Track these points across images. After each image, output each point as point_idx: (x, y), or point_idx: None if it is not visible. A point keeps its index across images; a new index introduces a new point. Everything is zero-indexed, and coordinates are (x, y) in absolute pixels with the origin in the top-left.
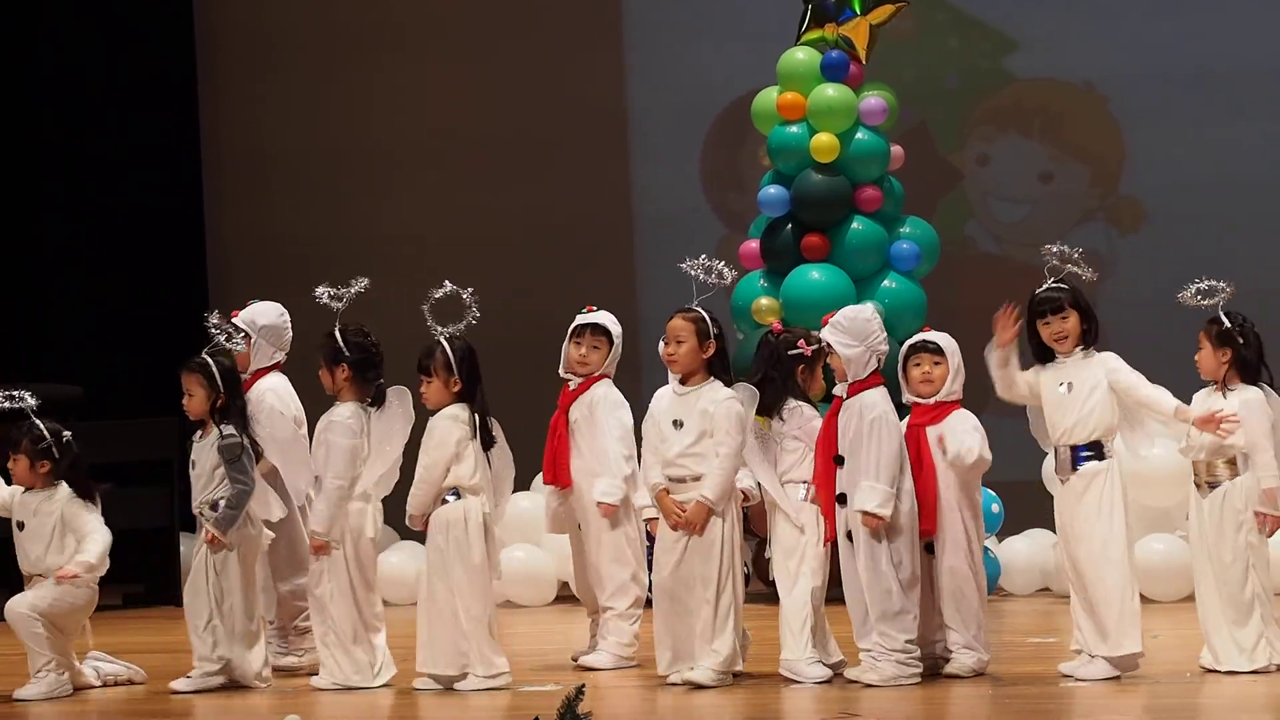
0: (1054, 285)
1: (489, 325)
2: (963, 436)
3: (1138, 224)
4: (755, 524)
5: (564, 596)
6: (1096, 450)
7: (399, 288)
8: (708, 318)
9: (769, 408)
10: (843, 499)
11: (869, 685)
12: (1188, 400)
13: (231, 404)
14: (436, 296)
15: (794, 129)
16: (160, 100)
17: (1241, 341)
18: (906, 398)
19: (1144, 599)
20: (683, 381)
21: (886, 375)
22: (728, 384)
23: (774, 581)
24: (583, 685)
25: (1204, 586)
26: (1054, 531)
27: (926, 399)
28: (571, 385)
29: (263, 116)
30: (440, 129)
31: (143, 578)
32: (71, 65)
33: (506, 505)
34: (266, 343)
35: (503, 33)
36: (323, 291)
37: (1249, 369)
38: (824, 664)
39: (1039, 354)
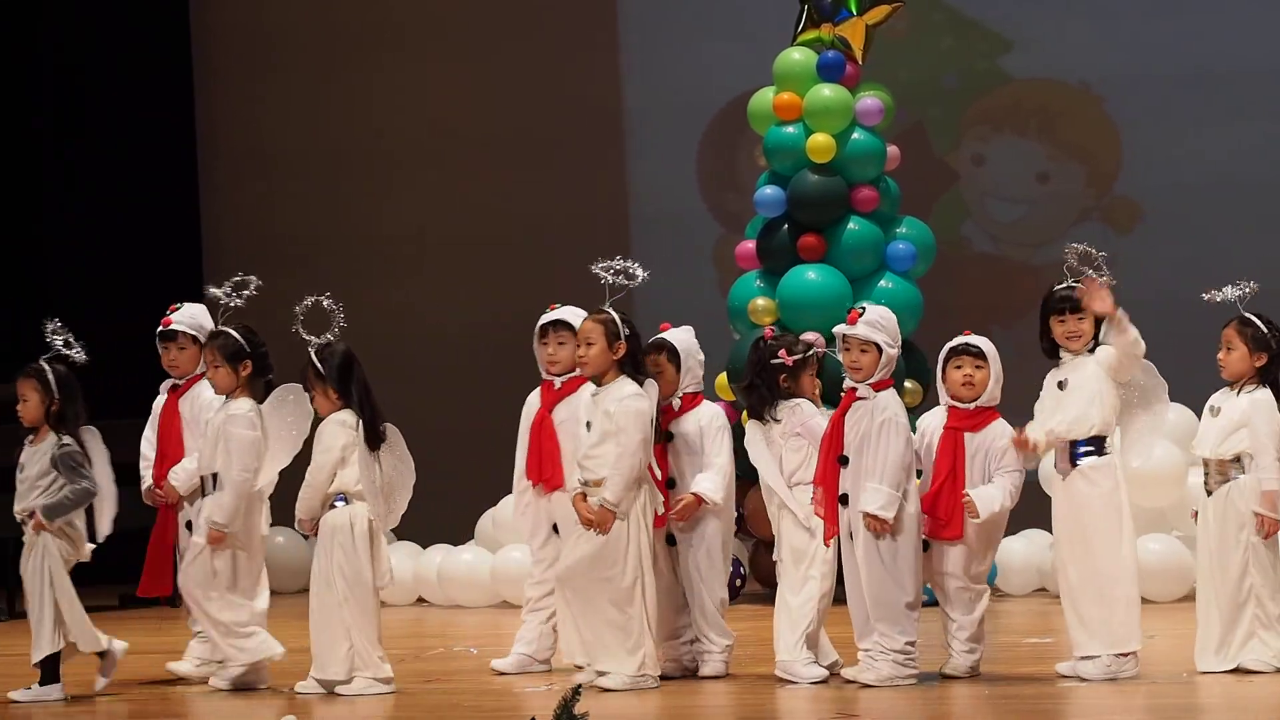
0: (1072, 284)
1: (485, 325)
2: (988, 498)
3: (1134, 224)
4: (752, 525)
5: None
6: (1096, 445)
7: (396, 286)
8: (618, 319)
9: (757, 413)
10: (844, 499)
11: (865, 685)
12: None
13: (66, 410)
14: (308, 305)
15: (790, 129)
16: (157, 99)
17: (1276, 348)
18: (944, 399)
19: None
20: (597, 383)
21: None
22: (639, 383)
23: (775, 583)
24: (579, 686)
25: (1205, 588)
26: (1051, 532)
27: (966, 402)
28: (556, 384)
29: (260, 116)
30: (438, 129)
31: (135, 578)
32: (70, 65)
33: (401, 511)
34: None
35: (500, 33)
36: (218, 292)
37: (1270, 371)
38: (819, 664)
39: (1048, 351)
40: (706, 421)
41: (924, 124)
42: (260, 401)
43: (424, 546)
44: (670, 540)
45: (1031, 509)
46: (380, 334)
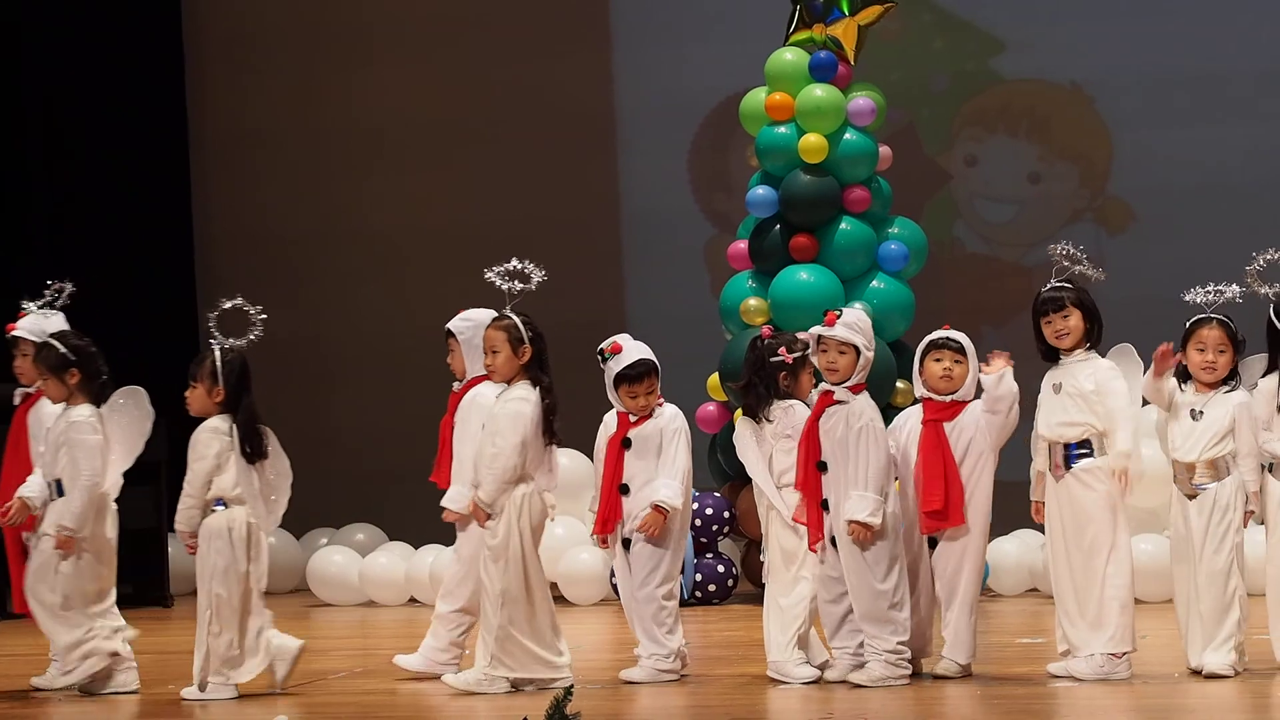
0: (1057, 284)
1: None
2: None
3: (1126, 224)
4: (744, 525)
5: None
6: (1093, 446)
7: (385, 285)
8: (520, 324)
9: (754, 412)
10: (826, 504)
11: (857, 686)
12: None
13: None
14: (225, 307)
15: (782, 129)
16: (146, 98)
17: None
18: (920, 392)
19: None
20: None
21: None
22: (541, 384)
23: (764, 583)
24: (571, 686)
25: (1185, 590)
26: (1043, 532)
27: (943, 395)
28: (456, 388)
29: (251, 117)
30: (429, 129)
31: (131, 579)
32: (57, 65)
33: (281, 512)
34: None
35: (491, 32)
36: (33, 305)
37: (1236, 371)
38: (810, 664)
39: (1046, 354)
40: (665, 423)
41: (916, 124)
42: (100, 404)
43: (416, 547)
44: (626, 545)
45: (1023, 510)
46: (369, 332)
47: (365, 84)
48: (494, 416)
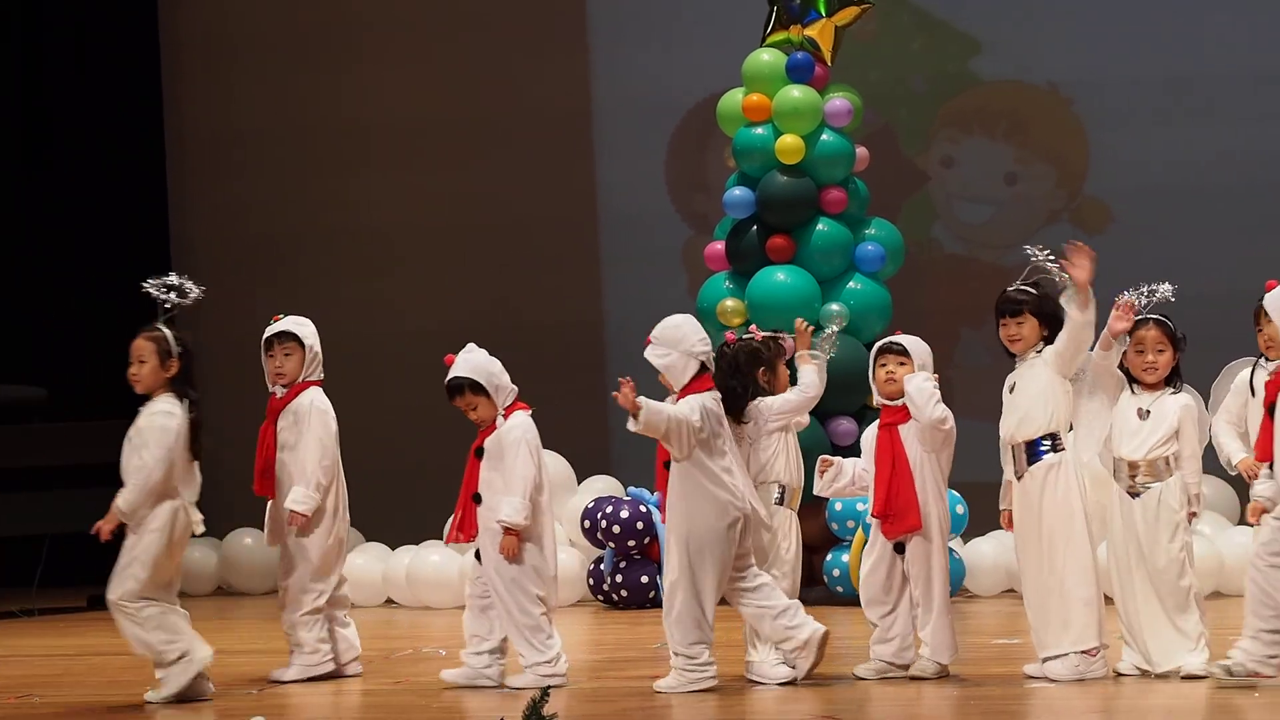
0: (1020, 288)
1: (452, 325)
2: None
3: (1104, 225)
4: None
5: None
6: (1049, 445)
7: (365, 285)
8: (170, 337)
9: (736, 414)
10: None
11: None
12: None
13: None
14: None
15: (759, 130)
16: (124, 100)
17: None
18: (876, 400)
19: (1108, 599)
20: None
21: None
22: (189, 398)
23: None
24: (548, 687)
25: (1134, 589)
26: None
27: (894, 400)
28: (278, 394)
29: (229, 113)
30: (406, 129)
31: (107, 580)
32: (34, 65)
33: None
34: None
35: (468, 33)
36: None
37: (1179, 370)
38: (786, 664)
39: (1007, 352)
40: (504, 433)
41: (893, 125)
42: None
43: (393, 548)
44: (478, 556)
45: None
46: (349, 332)
47: (343, 85)
48: (139, 430)
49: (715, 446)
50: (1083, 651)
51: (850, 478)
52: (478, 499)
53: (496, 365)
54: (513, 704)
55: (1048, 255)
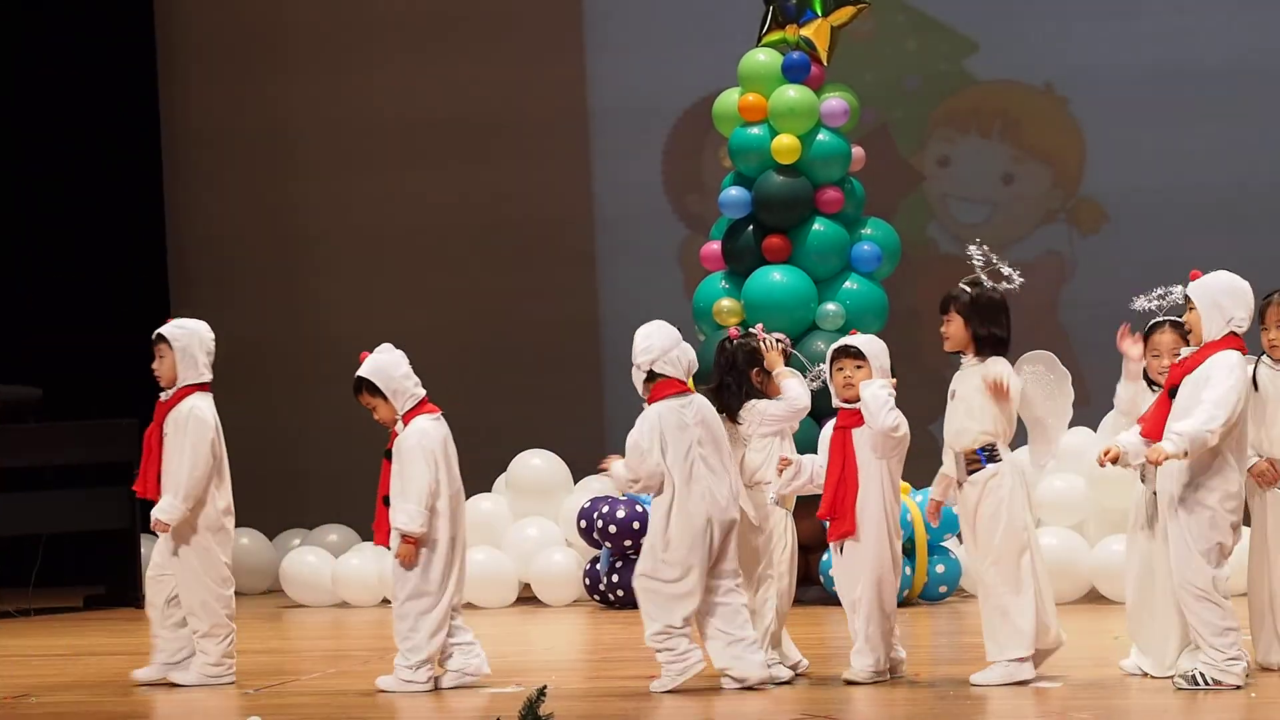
0: (959, 286)
1: (447, 326)
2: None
3: (1099, 225)
4: None
5: (525, 598)
6: (988, 453)
7: (358, 285)
8: None
9: (729, 411)
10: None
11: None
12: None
13: None
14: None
15: (755, 130)
16: (120, 100)
17: None
18: (835, 402)
19: (1105, 600)
20: None
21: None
22: None
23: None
24: (544, 686)
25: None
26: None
27: (852, 403)
28: (163, 397)
29: (225, 118)
30: (402, 128)
31: (103, 579)
32: (32, 65)
33: None
34: None
35: (466, 34)
36: None
37: None
38: (784, 665)
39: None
40: (401, 440)
41: (889, 125)
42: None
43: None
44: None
45: None
46: (346, 332)
47: (339, 86)
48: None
49: (687, 455)
50: (1012, 659)
51: (809, 476)
52: (387, 502)
53: (400, 369)
54: (511, 704)
55: (988, 252)
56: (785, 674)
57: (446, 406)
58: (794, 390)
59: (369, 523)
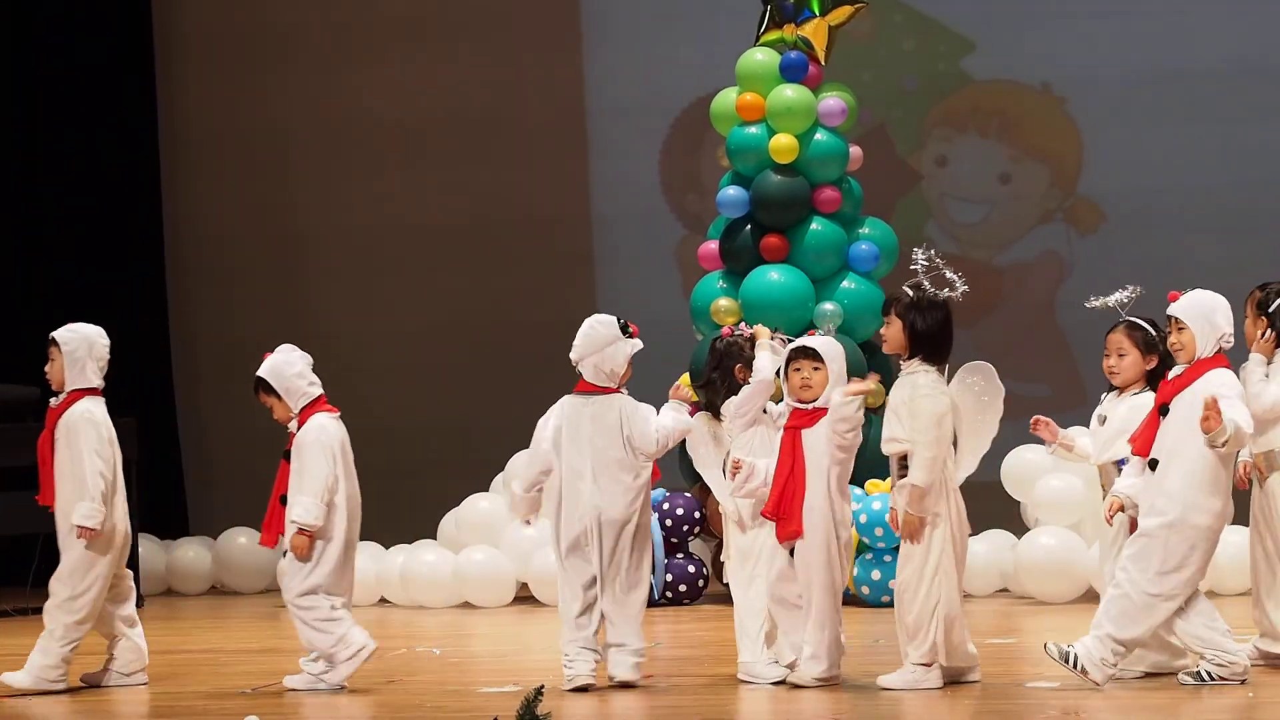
0: (903, 288)
1: (447, 325)
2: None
3: (1097, 225)
4: (713, 524)
5: (522, 598)
6: (904, 464)
7: (358, 284)
8: None
9: (713, 408)
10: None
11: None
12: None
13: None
14: None
15: (753, 130)
16: (118, 100)
17: (1163, 349)
18: (786, 401)
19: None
20: None
21: None
22: None
23: (726, 583)
24: (541, 686)
25: None
26: (1013, 533)
27: (806, 404)
28: (54, 403)
29: (223, 118)
30: (401, 127)
31: None
32: (28, 65)
33: None
34: None
35: (464, 33)
36: None
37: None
38: (780, 665)
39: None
40: (301, 435)
41: (886, 125)
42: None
43: (386, 547)
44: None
45: (992, 510)
46: (343, 332)
47: (337, 85)
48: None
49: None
50: (920, 663)
51: (763, 478)
52: (284, 501)
53: (296, 368)
54: (509, 703)
55: (932, 256)
56: (781, 673)
57: (445, 405)
58: (760, 363)
59: (368, 522)
